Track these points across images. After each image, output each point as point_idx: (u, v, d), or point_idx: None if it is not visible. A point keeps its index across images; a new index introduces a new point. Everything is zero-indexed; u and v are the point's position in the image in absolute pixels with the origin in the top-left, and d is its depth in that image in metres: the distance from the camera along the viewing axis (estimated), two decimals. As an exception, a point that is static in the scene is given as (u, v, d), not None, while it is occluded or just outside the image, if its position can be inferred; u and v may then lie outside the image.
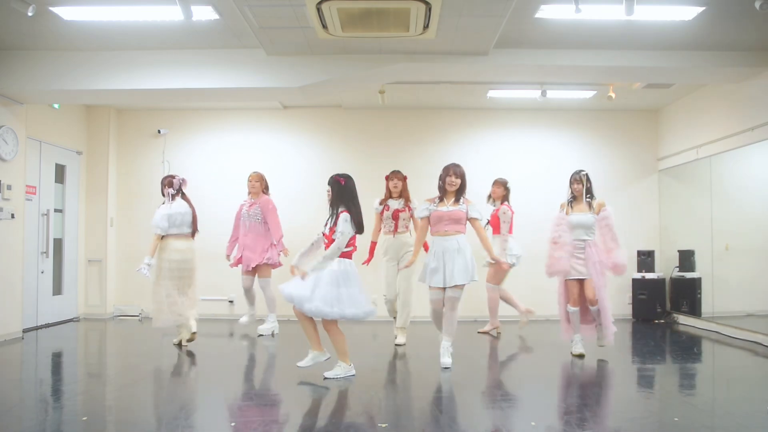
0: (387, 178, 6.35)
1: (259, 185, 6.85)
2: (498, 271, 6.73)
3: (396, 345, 6.19)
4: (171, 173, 6.43)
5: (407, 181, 6.35)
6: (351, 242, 4.84)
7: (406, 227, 6.31)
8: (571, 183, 5.79)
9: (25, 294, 6.90)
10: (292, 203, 8.06)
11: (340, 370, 4.78)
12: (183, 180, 6.22)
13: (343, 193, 4.86)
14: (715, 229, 7.43)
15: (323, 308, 4.64)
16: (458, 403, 4.30)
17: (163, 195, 6.18)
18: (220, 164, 8.53)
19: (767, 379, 5.14)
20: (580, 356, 5.57)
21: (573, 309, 5.62)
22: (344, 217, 4.77)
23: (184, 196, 6.19)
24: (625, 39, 5.86)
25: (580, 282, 5.58)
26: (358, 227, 4.85)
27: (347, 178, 4.92)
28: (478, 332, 7.04)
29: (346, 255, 4.83)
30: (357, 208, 4.88)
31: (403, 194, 6.28)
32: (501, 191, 6.92)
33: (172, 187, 6.12)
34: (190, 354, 5.87)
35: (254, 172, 6.91)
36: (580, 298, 5.61)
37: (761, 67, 6.15)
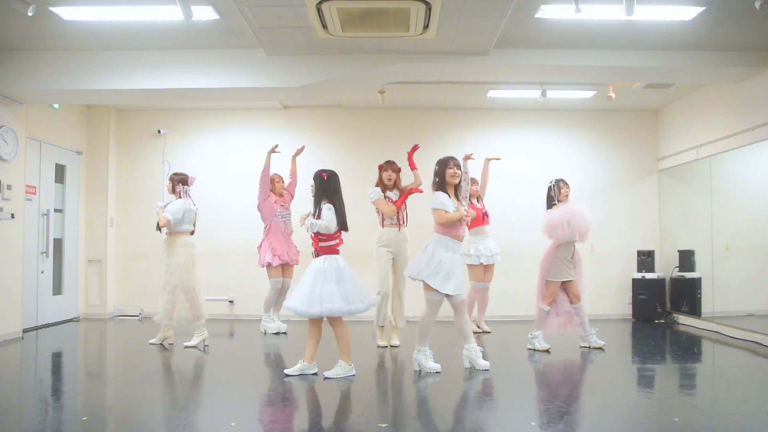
0: (381, 167, 6.05)
1: (280, 186, 7.06)
2: (486, 271, 6.94)
3: (392, 346, 6.11)
4: (178, 171, 6.43)
5: (400, 174, 6.09)
6: (336, 235, 4.86)
7: (406, 221, 6.06)
8: (561, 188, 6.01)
9: (25, 294, 6.90)
10: (292, 203, 8.04)
11: (340, 369, 4.78)
12: (193, 178, 6.30)
13: (326, 187, 4.86)
14: (715, 229, 7.43)
15: (299, 307, 4.68)
16: (458, 402, 4.30)
17: (173, 191, 6.22)
18: (220, 164, 8.53)
19: (767, 379, 5.14)
20: (548, 351, 5.87)
21: (547, 308, 5.88)
22: (328, 206, 4.78)
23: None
24: (625, 39, 5.86)
25: (565, 283, 5.91)
26: (341, 224, 4.85)
27: (330, 174, 4.90)
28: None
29: (332, 250, 4.84)
30: (340, 203, 4.87)
31: (397, 186, 6.02)
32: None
33: (188, 184, 6.20)
34: (191, 354, 5.86)
35: (277, 174, 7.09)
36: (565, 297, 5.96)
37: (761, 67, 6.15)
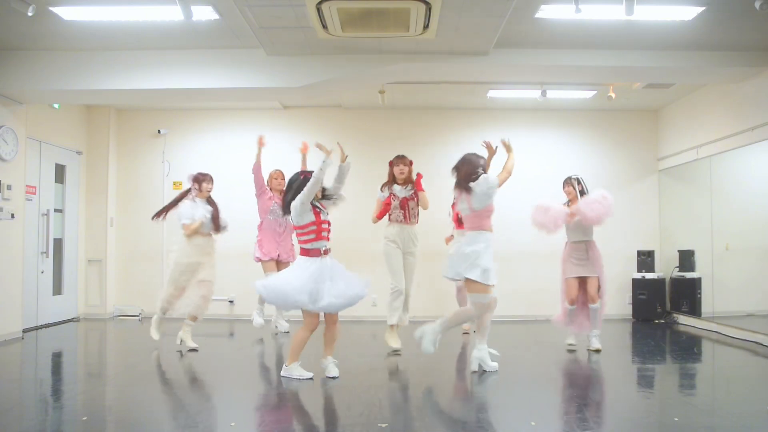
0: (391, 164, 6.01)
1: (278, 183, 6.90)
2: None
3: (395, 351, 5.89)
4: (203, 171, 6.22)
5: (413, 165, 6.03)
6: (307, 230, 4.67)
7: (416, 216, 5.96)
8: (563, 187, 6.12)
9: (25, 294, 6.90)
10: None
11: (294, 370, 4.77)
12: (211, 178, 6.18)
13: (300, 185, 4.78)
14: (715, 229, 7.43)
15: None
16: (458, 402, 4.30)
17: (199, 192, 6.06)
18: (220, 164, 8.50)
19: (767, 379, 5.14)
20: (572, 349, 5.89)
21: (571, 307, 5.87)
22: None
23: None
24: (625, 39, 5.86)
25: (579, 281, 5.88)
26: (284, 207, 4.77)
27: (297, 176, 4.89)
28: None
29: (314, 252, 4.67)
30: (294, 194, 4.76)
31: (409, 180, 5.95)
32: None
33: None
34: (191, 354, 5.86)
35: (277, 170, 6.92)
36: (582, 296, 5.91)
37: (761, 67, 6.15)
